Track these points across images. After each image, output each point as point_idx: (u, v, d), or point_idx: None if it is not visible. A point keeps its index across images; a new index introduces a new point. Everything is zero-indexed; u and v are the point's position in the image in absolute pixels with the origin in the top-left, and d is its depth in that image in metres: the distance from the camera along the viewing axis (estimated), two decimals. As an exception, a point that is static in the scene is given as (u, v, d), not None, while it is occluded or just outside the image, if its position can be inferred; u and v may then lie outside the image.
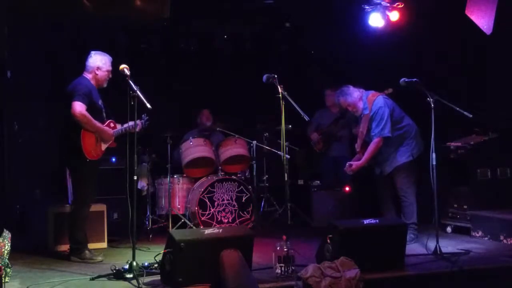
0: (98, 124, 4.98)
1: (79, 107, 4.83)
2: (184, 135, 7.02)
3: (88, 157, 4.92)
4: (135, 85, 4.58)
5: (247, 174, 6.86)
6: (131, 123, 4.98)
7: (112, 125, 5.18)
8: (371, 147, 5.53)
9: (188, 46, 7.88)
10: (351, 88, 5.67)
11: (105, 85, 5.15)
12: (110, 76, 5.14)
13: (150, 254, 4.94)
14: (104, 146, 5.10)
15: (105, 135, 5.04)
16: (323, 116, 7.34)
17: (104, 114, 5.15)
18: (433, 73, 6.58)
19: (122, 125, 5.21)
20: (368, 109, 5.56)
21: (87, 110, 4.90)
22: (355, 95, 5.63)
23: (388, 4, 6.54)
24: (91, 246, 5.26)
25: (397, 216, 5.63)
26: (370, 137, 5.60)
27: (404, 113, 5.68)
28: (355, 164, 5.63)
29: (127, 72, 4.67)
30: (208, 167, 6.68)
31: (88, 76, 5.08)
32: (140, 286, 4.02)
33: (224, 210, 6.32)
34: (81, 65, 5.54)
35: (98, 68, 5.05)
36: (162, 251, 4.07)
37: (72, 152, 4.93)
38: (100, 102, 5.10)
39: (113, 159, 6.36)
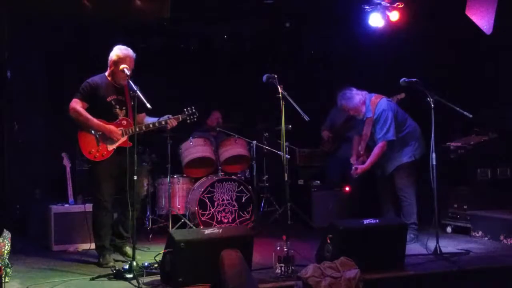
0: (94, 121, 4.72)
1: (73, 103, 4.74)
2: (190, 135, 6.91)
3: (89, 158, 4.76)
4: (135, 85, 4.57)
5: (247, 174, 6.86)
6: (162, 118, 4.90)
7: (124, 123, 4.84)
8: (376, 151, 5.50)
9: (188, 46, 7.88)
10: (354, 91, 5.62)
11: (122, 82, 4.81)
12: (129, 73, 4.67)
13: (150, 254, 4.94)
14: (111, 146, 4.80)
15: (107, 133, 4.75)
16: (337, 115, 7.18)
17: (117, 111, 4.83)
18: (433, 73, 6.58)
19: (158, 118, 4.95)
20: (372, 112, 5.53)
21: (90, 107, 4.75)
22: (356, 99, 5.58)
23: (388, 4, 6.54)
24: (90, 246, 5.25)
25: (397, 216, 5.63)
26: (373, 140, 5.58)
27: (407, 114, 5.66)
28: (360, 167, 5.61)
29: (127, 72, 4.65)
30: (208, 167, 6.68)
31: (107, 71, 4.86)
32: (140, 286, 4.02)
33: (224, 210, 6.31)
34: (81, 65, 5.54)
35: (114, 63, 4.79)
36: (162, 251, 4.07)
37: (79, 153, 4.84)
38: (110, 98, 4.81)
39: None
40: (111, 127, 4.78)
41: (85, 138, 4.78)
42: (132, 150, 4.50)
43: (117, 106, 4.87)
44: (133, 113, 4.57)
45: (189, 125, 5.21)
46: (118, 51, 4.82)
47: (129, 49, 4.85)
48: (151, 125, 4.91)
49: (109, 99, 4.83)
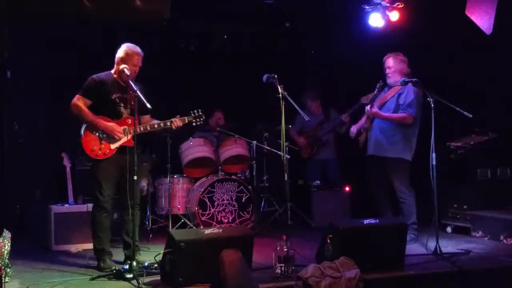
0: (95, 118, 4.65)
1: (75, 99, 4.66)
2: (191, 135, 6.86)
3: (91, 156, 4.67)
4: (137, 84, 4.55)
5: (247, 174, 6.86)
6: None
7: (129, 121, 4.72)
8: (398, 115, 5.46)
9: (188, 46, 7.88)
10: (405, 60, 5.60)
11: (129, 80, 4.64)
12: (136, 71, 4.71)
13: (150, 254, 4.94)
14: (114, 145, 4.71)
15: (108, 131, 4.67)
16: (305, 119, 7.22)
17: (122, 109, 4.73)
18: (433, 73, 6.58)
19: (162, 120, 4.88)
20: (400, 86, 5.50)
21: (94, 104, 4.68)
22: (402, 67, 5.57)
23: (388, 4, 6.54)
24: (90, 246, 5.24)
25: (395, 216, 5.62)
26: (385, 109, 5.58)
27: None
28: (372, 108, 5.55)
29: (127, 72, 4.62)
30: (208, 167, 6.69)
31: (114, 68, 4.78)
32: (140, 286, 4.02)
33: (224, 210, 6.32)
34: (81, 65, 5.47)
35: (121, 60, 4.73)
36: (162, 251, 4.07)
37: (81, 151, 4.73)
38: (115, 96, 4.70)
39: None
40: (112, 124, 4.70)
41: (88, 137, 4.69)
42: (132, 150, 4.47)
43: (122, 104, 4.76)
44: (134, 113, 4.54)
45: (192, 126, 5.14)
46: (126, 48, 4.76)
47: (137, 47, 4.79)
48: (156, 125, 4.84)
49: (113, 96, 4.72)
